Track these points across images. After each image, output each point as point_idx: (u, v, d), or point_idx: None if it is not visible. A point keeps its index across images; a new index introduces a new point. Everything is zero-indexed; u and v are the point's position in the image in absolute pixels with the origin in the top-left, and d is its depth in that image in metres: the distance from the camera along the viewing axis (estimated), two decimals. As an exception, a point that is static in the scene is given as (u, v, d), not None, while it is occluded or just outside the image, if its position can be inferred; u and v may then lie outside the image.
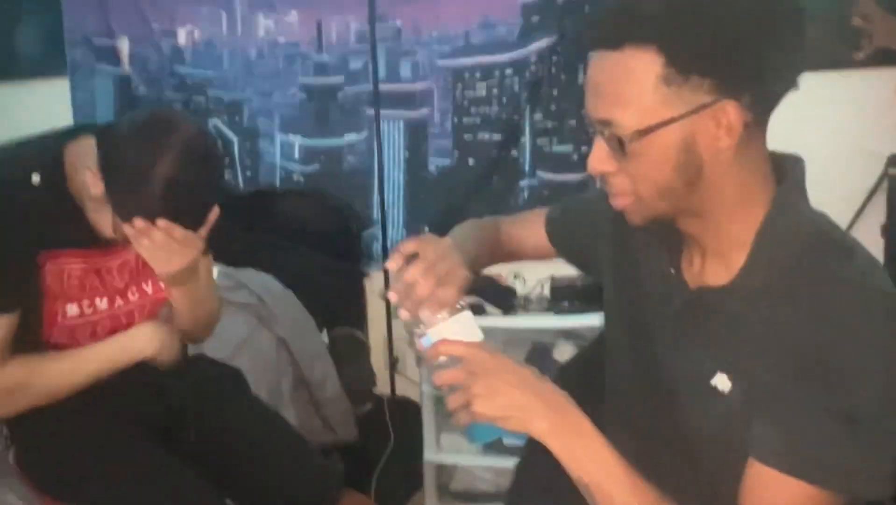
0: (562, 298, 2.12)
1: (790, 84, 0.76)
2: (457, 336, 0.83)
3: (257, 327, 2.03)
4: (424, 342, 0.83)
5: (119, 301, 1.24)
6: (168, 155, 1.02)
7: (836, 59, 2.11)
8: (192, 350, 1.48)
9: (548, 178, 2.41)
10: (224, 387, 1.50)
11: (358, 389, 2.34)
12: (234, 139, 2.60)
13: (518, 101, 2.40)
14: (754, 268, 0.80)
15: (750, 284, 0.80)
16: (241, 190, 2.59)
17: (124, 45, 2.60)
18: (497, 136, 2.43)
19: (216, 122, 2.59)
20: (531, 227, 1.16)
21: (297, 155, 2.58)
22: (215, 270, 2.21)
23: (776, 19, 0.73)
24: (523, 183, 2.44)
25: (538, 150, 2.41)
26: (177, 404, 1.37)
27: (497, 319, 2.07)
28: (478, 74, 2.42)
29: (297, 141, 2.57)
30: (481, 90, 2.42)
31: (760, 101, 0.75)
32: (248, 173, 2.62)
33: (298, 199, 2.54)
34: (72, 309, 1.18)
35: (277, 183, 2.59)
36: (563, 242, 1.14)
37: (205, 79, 2.58)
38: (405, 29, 2.45)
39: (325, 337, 2.36)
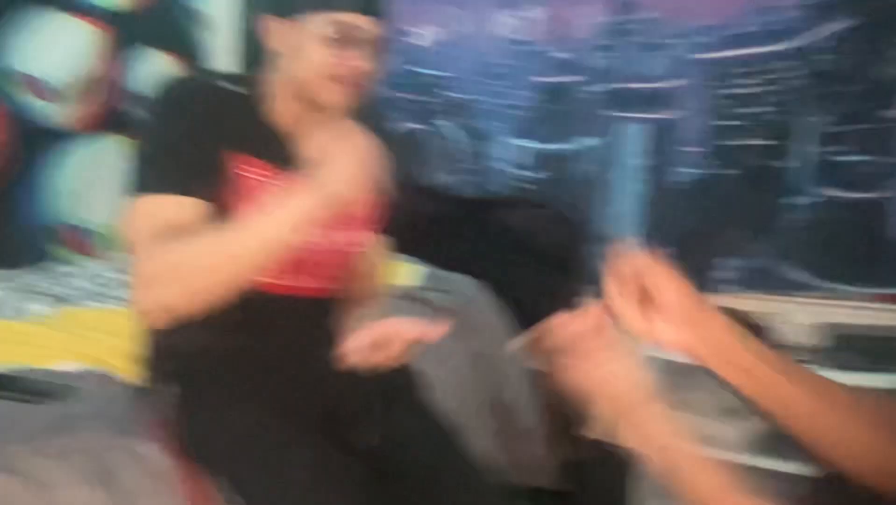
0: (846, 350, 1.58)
1: None
2: None
3: (454, 334, 1.79)
4: None
5: None
6: None
7: None
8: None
9: (833, 196, 1.89)
10: (397, 386, 1.28)
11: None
12: (462, 141, 2.45)
13: (799, 98, 1.92)
14: None
15: None
16: (463, 194, 2.42)
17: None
18: (767, 143, 1.97)
19: (443, 123, 2.47)
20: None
21: (525, 160, 2.35)
22: (422, 272, 2.07)
23: None
24: (801, 200, 1.93)
25: (823, 160, 1.90)
26: (354, 402, 1.18)
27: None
28: (745, 69, 2.00)
29: (525, 145, 2.34)
30: (750, 87, 1.99)
31: None
32: (474, 178, 2.45)
33: (522, 207, 2.29)
34: None
35: (503, 190, 2.38)
36: None
37: (438, 78, 2.48)
38: (661, 20, 2.12)
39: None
